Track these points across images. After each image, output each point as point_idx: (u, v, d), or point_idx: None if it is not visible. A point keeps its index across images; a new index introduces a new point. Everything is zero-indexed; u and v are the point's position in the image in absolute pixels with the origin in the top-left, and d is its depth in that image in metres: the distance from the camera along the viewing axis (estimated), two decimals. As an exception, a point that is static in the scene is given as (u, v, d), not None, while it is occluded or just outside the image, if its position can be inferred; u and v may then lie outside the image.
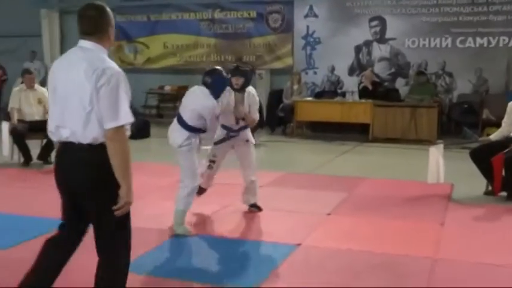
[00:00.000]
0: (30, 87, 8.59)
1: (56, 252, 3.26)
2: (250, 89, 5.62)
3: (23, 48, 15.53)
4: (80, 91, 2.86)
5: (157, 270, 4.31)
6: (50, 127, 3.02)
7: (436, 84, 12.29)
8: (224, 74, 5.20)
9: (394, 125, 11.09)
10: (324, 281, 4.08)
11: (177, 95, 14.32)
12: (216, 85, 5.04)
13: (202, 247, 4.95)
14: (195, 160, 5.11)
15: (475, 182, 6.83)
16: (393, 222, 5.60)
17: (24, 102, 8.49)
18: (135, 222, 5.30)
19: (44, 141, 8.61)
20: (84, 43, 2.99)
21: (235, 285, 4.00)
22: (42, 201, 6.29)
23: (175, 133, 5.15)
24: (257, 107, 5.72)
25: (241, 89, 5.45)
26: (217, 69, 5.25)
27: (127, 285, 3.18)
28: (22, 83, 9.05)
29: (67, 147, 2.96)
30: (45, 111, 8.61)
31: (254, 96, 5.66)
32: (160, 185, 7.05)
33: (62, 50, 15.73)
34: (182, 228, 5.08)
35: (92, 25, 2.97)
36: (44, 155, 8.54)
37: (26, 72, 8.80)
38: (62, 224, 3.26)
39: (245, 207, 5.87)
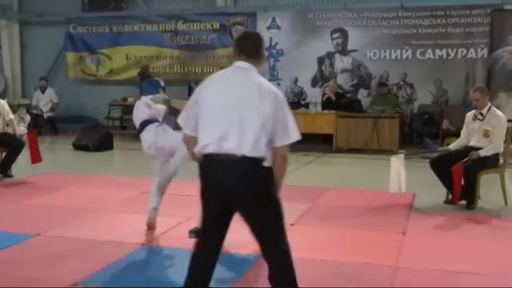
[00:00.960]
0: (-13, 99, 8.42)
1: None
2: None
3: (-18, 59, 15.28)
4: (255, 109, 3.16)
5: (119, 284, 4.24)
6: (209, 139, 3.17)
7: (397, 95, 12.49)
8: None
9: (356, 136, 11.21)
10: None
11: (140, 107, 14.23)
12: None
13: (166, 259, 4.90)
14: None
15: (435, 191, 6.94)
16: (356, 231, 5.65)
17: (-19, 115, 8.31)
18: (96, 235, 5.31)
19: (3, 154, 8.45)
20: (246, 65, 3.32)
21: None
22: (3, 215, 6.20)
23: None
24: None
25: None
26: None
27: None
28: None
29: (227, 158, 3.14)
30: (4, 124, 8.45)
31: None
32: (123, 198, 6.96)
33: (22, 62, 15.54)
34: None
35: (255, 51, 3.35)
36: (3, 168, 8.36)
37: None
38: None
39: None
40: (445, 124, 11.70)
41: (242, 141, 3.13)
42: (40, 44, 15.24)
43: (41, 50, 15.23)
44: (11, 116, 8.59)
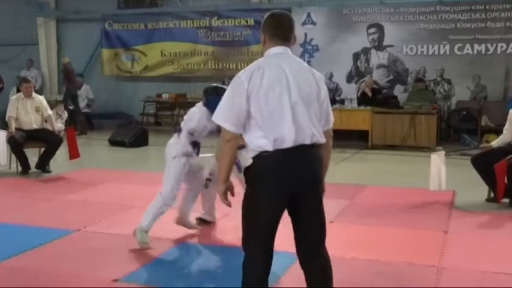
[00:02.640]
0: (28, 95, 8.52)
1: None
2: None
3: (20, 56, 15.51)
4: (316, 96, 3.05)
5: (162, 280, 4.23)
6: (276, 133, 2.92)
7: (434, 91, 12.28)
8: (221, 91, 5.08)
9: (393, 132, 11.05)
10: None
11: (175, 103, 14.32)
12: (211, 104, 4.81)
13: (207, 256, 4.87)
14: (180, 176, 5.00)
15: (476, 189, 6.79)
16: (396, 230, 5.54)
17: (21, 111, 8.42)
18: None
19: (42, 149, 8.55)
20: (284, 49, 3.09)
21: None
22: (41, 210, 6.26)
23: (171, 146, 5.07)
24: None
25: None
26: (215, 88, 5.10)
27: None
28: (18, 91, 8.98)
29: (299, 150, 2.97)
30: (43, 120, 8.56)
31: None
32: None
33: (59, 58, 15.72)
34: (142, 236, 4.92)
35: (290, 32, 3.11)
36: (42, 164, 8.47)
37: (24, 81, 8.73)
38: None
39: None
40: (484, 120, 11.47)
41: (313, 131, 2.99)
42: (76, 40, 15.42)
43: (77, 46, 15.40)
44: (50, 112, 8.70)
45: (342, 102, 11.88)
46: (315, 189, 3.06)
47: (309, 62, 13.18)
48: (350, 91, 12.54)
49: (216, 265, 4.70)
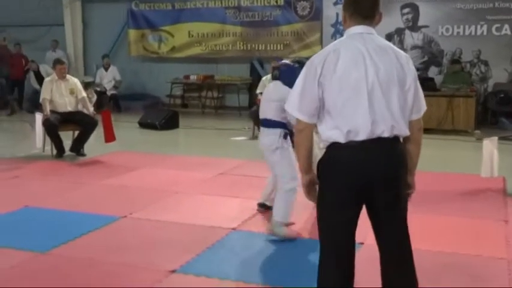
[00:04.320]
0: (62, 77, 8.36)
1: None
2: None
3: (45, 37, 15.37)
4: (399, 82, 2.70)
5: (220, 271, 4.06)
6: (353, 124, 2.63)
7: (470, 73, 11.94)
8: (292, 63, 4.93)
9: (429, 115, 10.73)
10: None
11: (202, 85, 14.13)
12: (284, 75, 4.76)
13: (261, 245, 4.68)
14: (292, 159, 4.71)
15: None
16: (454, 219, 5.33)
17: (56, 93, 8.27)
18: (183, 218, 5.16)
19: (76, 132, 8.42)
20: (365, 29, 2.75)
21: (301, 285, 3.77)
22: (83, 195, 6.12)
23: (265, 137, 4.84)
24: None
25: None
26: (284, 62, 5.02)
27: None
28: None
29: (379, 143, 2.67)
30: (77, 102, 8.41)
31: None
32: (200, 179, 6.81)
33: (85, 39, 15.57)
34: (282, 230, 4.72)
35: (373, 9, 2.76)
36: (76, 147, 8.34)
37: (58, 62, 8.56)
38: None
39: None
40: (522, 103, 11.16)
41: (393, 122, 2.67)
42: (102, 21, 15.21)
43: (103, 27, 15.20)
44: (84, 94, 8.55)
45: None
46: (392, 187, 2.74)
47: (340, 43, 12.92)
48: (383, 73, 12.22)
49: (271, 254, 4.52)
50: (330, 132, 2.69)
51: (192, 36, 14.28)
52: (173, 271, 4.03)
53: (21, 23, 15.45)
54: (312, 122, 2.75)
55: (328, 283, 2.80)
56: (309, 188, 2.88)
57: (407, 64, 2.77)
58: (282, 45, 13.43)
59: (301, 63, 5.16)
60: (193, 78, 14.12)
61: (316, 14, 13.09)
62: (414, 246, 4.42)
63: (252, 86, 13.31)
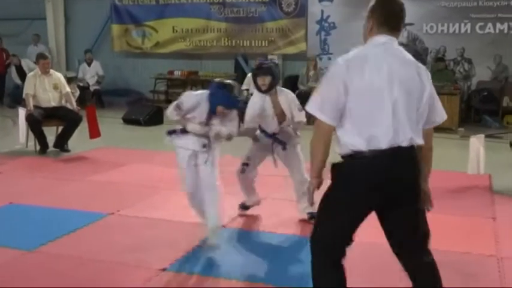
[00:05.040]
0: (45, 72, 8.24)
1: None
2: (283, 88, 5.16)
3: (27, 31, 15.15)
4: (418, 94, 2.76)
5: (210, 269, 4.03)
6: (376, 131, 2.66)
7: (454, 70, 12.01)
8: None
9: (414, 113, 10.81)
10: (389, 280, 3.83)
11: (187, 81, 14.03)
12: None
13: (250, 242, 4.67)
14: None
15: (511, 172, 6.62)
16: (443, 216, 5.26)
17: (39, 88, 8.14)
18: (171, 215, 5.11)
19: (60, 128, 8.30)
20: (390, 39, 2.81)
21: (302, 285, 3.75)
22: (69, 192, 6.04)
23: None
24: (299, 106, 4.95)
25: (270, 89, 4.94)
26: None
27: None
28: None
29: (398, 151, 2.70)
30: (61, 97, 8.29)
31: (290, 94, 5.07)
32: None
33: (67, 34, 15.40)
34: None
35: (401, 23, 2.85)
36: (60, 143, 8.22)
37: (41, 57, 8.43)
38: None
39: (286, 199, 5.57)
40: (506, 101, 11.28)
41: (412, 132, 2.72)
42: (85, 15, 15.03)
43: (85, 22, 15.02)
44: (68, 89, 8.44)
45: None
46: (411, 196, 2.80)
47: (325, 40, 12.95)
48: (368, 70, 12.26)
49: (263, 251, 4.50)
50: (352, 139, 2.70)
51: (176, 31, 14.17)
52: (163, 269, 3.99)
53: (1, 16, 15.21)
54: (333, 124, 2.72)
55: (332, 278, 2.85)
56: (314, 192, 2.86)
57: (427, 77, 2.84)
58: (267, 41, 13.39)
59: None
60: (177, 74, 14.02)
61: (301, 11, 13.06)
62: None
63: (236, 82, 13.23)
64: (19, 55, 14.07)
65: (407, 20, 10.72)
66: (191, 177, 4.41)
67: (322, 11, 12.89)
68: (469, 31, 11.96)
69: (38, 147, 8.12)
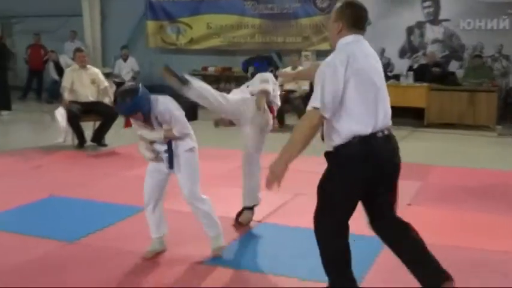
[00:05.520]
0: (83, 66, 8.39)
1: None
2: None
3: (64, 28, 15.40)
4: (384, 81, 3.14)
5: (246, 262, 4.06)
6: (375, 118, 2.99)
7: (492, 67, 11.81)
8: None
9: (450, 110, 10.70)
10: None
11: (221, 77, 14.10)
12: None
13: (287, 237, 4.67)
14: None
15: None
16: (480, 214, 5.28)
17: (77, 82, 8.29)
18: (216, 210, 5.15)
19: (97, 123, 8.44)
20: (359, 37, 3.13)
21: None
22: (107, 185, 6.14)
23: None
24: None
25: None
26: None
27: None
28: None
29: (389, 134, 3.08)
30: (98, 92, 8.42)
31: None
32: (220, 171, 6.84)
33: (103, 30, 15.59)
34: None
35: (366, 23, 3.19)
36: (97, 137, 8.36)
37: (78, 50, 8.61)
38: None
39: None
40: (544, 99, 11.05)
41: (390, 113, 3.11)
42: (120, 12, 15.22)
43: (121, 18, 15.20)
44: (106, 84, 8.58)
45: (397, 78, 11.52)
46: (396, 175, 3.18)
47: (359, 37, 12.83)
48: (402, 67, 12.15)
49: (298, 246, 4.50)
50: (355, 126, 2.96)
51: (211, 28, 14.25)
52: (200, 263, 4.04)
53: (39, 13, 15.50)
54: (327, 117, 2.97)
55: (340, 244, 3.25)
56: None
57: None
58: (300, 37, 13.37)
59: (269, 59, 5.22)
60: (211, 70, 14.11)
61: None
62: (443, 241, 4.43)
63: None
64: (57, 51, 14.33)
65: (443, 16, 10.63)
66: (150, 184, 4.28)
67: (357, 7, 12.78)
68: (507, 27, 11.74)
69: (76, 142, 8.27)
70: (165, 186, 4.31)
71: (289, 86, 10.73)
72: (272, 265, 4.04)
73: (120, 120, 8.30)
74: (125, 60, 14.22)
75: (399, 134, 9.56)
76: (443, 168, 7.17)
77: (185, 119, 4.19)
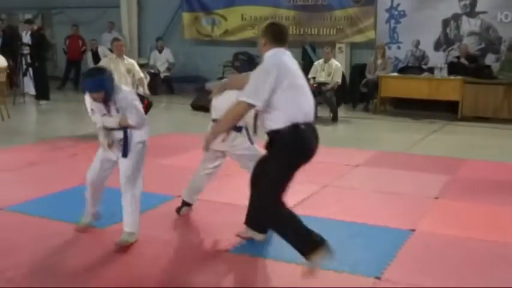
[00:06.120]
0: (119, 55, 8.54)
1: None
2: None
3: (101, 19, 15.67)
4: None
5: (270, 252, 4.15)
6: (303, 110, 3.65)
7: (529, 61, 11.60)
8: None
9: (485, 104, 10.58)
10: (450, 272, 3.84)
11: (254, 68, 14.16)
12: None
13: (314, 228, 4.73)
14: None
15: None
16: (508, 209, 5.25)
17: (114, 71, 8.32)
18: (237, 200, 5.26)
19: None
20: (282, 49, 3.79)
21: (357, 272, 3.81)
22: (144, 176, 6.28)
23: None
24: None
25: None
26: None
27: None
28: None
29: (308, 127, 3.69)
30: (134, 82, 8.58)
31: None
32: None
33: (139, 22, 15.81)
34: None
35: (287, 38, 3.85)
36: (131, 127, 8.52)
37: (115, 39, 8.79)
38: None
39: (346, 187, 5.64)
40: None
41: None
42: (157, 4, 15.42)
43: (157, 10, 15.41)
44: (141, 74, 8.73)
45: (431, 71, 11.43)
46: (312, 158, 3.79)
47: (394, 29, 12.77)
48: (438, 59, 12.03)
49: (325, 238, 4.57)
50: (290, 117, 3.61)
51: (245, 19, 14.33)
52: (227, 251, 4.14)
53: (78, 4, 15.82)
54: (260, 107, 3.61)
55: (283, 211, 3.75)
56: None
57: None
58: (335, 29, 13.35)
59: (250, 59, 5.22)
60: (245, 61, 14.16)
61: (370, -1, 12.94)
62: (468, 234, 4.45)
63: (303, 70, 13.25)
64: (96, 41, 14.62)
65: (480, 8, 10.49)
66: (97, 170, 4.56)
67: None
68: (546, 19, 11.52)
69: (110, 131, 8.45)
70: (108, 176, 4.59)
71: (321, 79, 10.74)
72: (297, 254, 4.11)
73: (153, 110, 8.51)
74: (160, 51, 14.42)
75: (431, 127, 9.74)
76: (475, 162, 7.13)
77: (142, 111, 4.37)
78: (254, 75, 3.66)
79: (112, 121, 4.27)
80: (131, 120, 4.25)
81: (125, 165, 4.36)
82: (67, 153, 7.34)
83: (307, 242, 3.67)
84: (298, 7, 13.72)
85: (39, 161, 6.95)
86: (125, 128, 4.27)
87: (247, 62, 5.05)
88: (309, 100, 3.73)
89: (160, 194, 5.44)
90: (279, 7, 13.88)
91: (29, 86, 12.58)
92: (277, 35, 3.79)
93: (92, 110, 4.36)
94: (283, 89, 3.58)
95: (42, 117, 11.23)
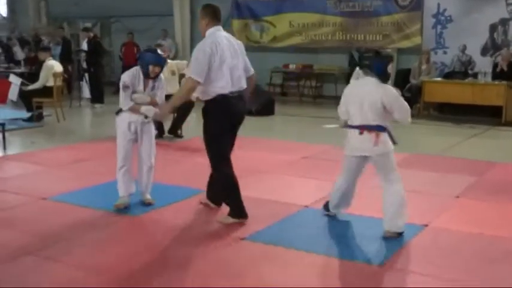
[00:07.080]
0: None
1: None
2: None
3: (156, 27, 16.26)
4: (241, 55, 4.80)
5: (284, 241, 4.39)
6: (229, 82, 4.58)
7: None
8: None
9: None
10: (453, 265, 3.99)
11: (301, 74, 14.43)
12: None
13: (326, 222, 4.97)
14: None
15: None
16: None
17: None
18: (260, 194, 5.54)
19: (175, 115, 8.99)
20: (219, 27, 4.76)
21: (361, 260, 4.02)
22: (176, 171, 6.67)
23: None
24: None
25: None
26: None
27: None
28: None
29: (237, 96, 4.65)
30: (180, 83, 8.97)
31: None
32: (285, 161, 7.19)
33: (192, 29, 16.33)
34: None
35: (221, 17, 4.84)
36: (174, 129, 8.92)
37: (158, 45, 9.24)
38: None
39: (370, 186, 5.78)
40: None
41: (243, 79, 4.74)
42: (208, 11, 15.85)
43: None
44: (185, 68, 9.10)
45: (475, 76, 11.39)
46: (241, 123, 4.86)
47: (441, 34, 12.76)
48: (485, 65, 11.95)
49: (336, 229, 4.79)
50: (219, 88, 4.53)
51: (293, 26, 14.61)
52: (243, 238, 4.43)
53: (133, 13, 16.50)
54: (200, 82, 4.50)
55: (230, 171, 4.83)
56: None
57: (240, 45, 4.84)
58: (381, 35, 13.45)
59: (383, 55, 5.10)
60: (292, 67, 14.48)
61: (417, 4, 12.97)
62: (481, 231, 4.56)
63: (349, 76, 13.37)
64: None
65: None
66: (126, 149, 5.38)
67: (439, 4, 12.71)
68: None
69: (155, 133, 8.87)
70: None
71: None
72: (307, 244, 4.35)
73: (195, 114, 8.90)
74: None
75: (470, 132, 9.76)
76: (504, 165, 7.15)
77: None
78: (195, 54, 4.53)
79: (144, 97, 5.11)
80: (158, 99, 5.20)
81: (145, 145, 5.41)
82: (114, 151, 7.77)
83: (239, 208, 4.70)
84: (345, 13, 13.89)
85: (87, 158, 7.44)
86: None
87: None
88: (235, 71, 4.59)
89: (189, 187, 5.82)
90: (326, 13, 14.10)
91: (85, 90, 13.28)
92: (215, 15, 4.72)
93: (127, 86, 5.08)
94: (215, 65, 4.45)
95: (96, 119, 11.84)
